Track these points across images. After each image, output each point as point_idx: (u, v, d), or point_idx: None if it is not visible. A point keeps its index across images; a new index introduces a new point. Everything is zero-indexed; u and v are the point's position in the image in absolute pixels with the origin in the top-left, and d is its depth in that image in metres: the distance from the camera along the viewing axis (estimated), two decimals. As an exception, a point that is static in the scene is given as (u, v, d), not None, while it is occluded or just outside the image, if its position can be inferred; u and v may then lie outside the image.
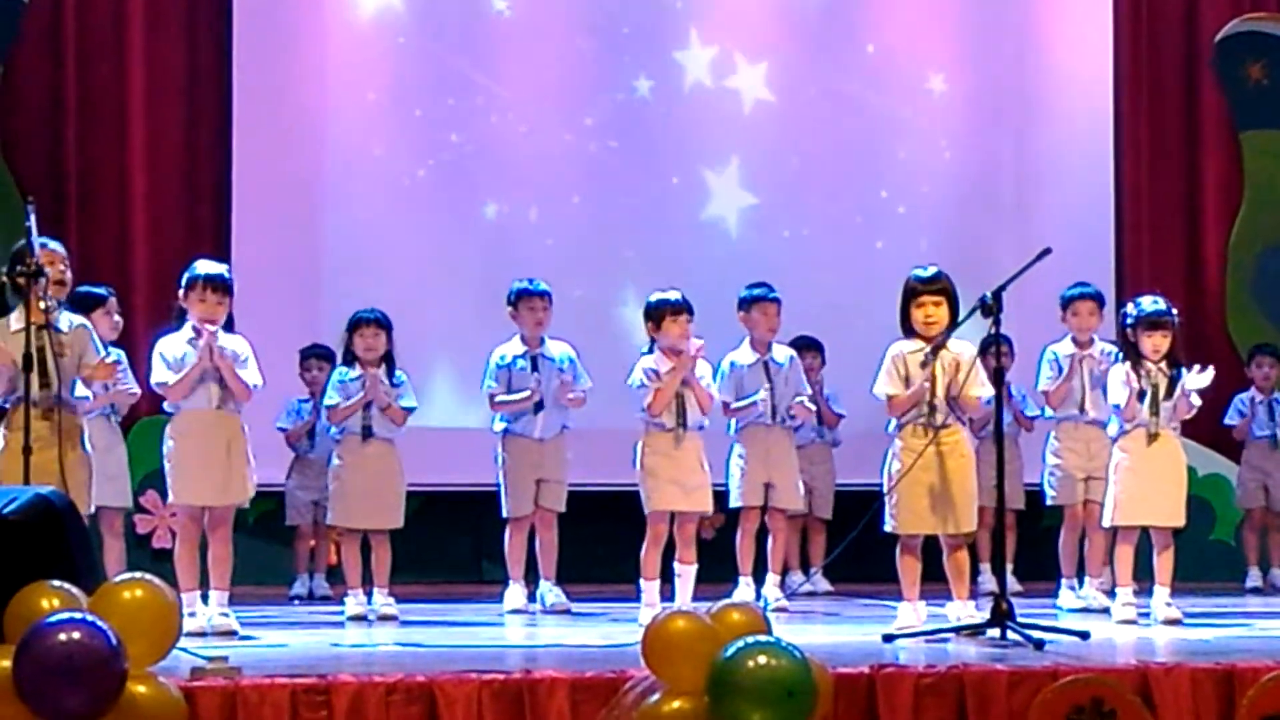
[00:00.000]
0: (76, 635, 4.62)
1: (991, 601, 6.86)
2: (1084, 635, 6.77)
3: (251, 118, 10.46)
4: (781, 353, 9.24)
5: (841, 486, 10.20)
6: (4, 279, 6.99)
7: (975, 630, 6.84)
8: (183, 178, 10.60)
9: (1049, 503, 9.25)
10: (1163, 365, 8.12)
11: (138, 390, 8.69)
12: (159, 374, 7.56)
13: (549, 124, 10.89)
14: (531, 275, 9.08)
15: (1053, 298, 9.10)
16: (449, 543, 10.51)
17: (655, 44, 11.10)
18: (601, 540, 9.75)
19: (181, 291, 7.59)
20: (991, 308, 6.77)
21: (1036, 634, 6.55)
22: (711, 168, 11.10)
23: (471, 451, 9.43)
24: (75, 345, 7.15)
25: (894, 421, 7.46)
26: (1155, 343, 8.15)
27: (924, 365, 7.27)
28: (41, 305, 6.82)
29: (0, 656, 4.72)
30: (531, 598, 8.95)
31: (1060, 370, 8.96)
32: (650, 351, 8.29)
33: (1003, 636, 6.64)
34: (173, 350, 7.55)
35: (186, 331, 7.55)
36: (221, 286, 7.56)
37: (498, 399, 8.88)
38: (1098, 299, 9.08)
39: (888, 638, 6.78)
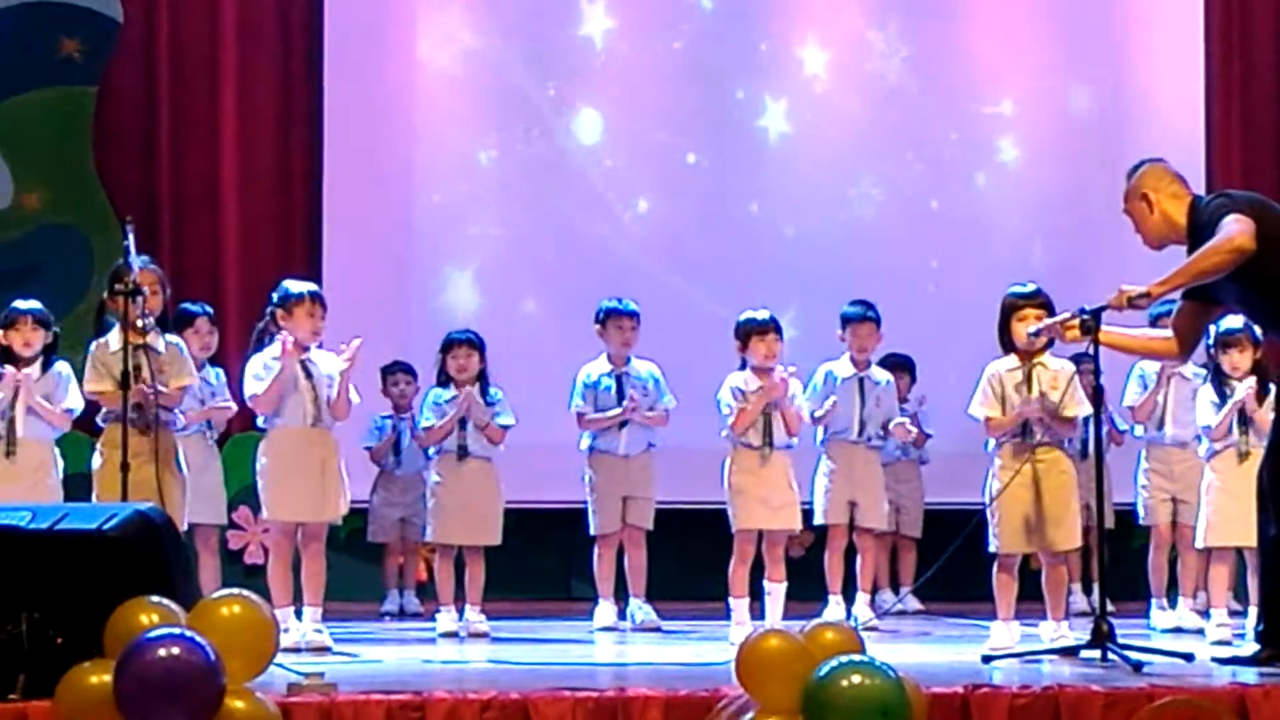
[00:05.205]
0: (176, 651, 4.67)
1: (1084, 621, 6.79)
2: (1188, 657, 6.68)
3: (343, 137, 10.48)
4: (880, 374, 9.25)
5: (932, 505, 10.13)
6: (103, 299, 7.11)
7: (1072, 651, 6.79)
8: (275, 198, 10.65)
9: (1140, 522, 9.18)
10: (1252, 383, 8.07)
11: (233, 406, 8.74)
12: (250, 387, 7.64)
13: (640, 138, 10.90)
14: (621, 292, 9.11)
15: (1144, 314, 8.99)
16: (538, 560, 10.49)
17: (754, 57, 11.08)
18: (690, 558, 9.74)
19: (278, 310, 7.64)
20: (1090, 324, 6.71)
21: (1136, 655, 6.49)
22: (810, 179, 11.02)
23: (560, 469, 9.44)
24: (169, 364, 7.25)
25: (992, 441, 7.44)
26: (1233, 360, 8.14)
27: (1034, 335, 7.21)
28: (139, 324, 6.91)
29: (100, 672, 4.78)
30: (621, 615, 8.95)
31: (1145, 386, 8.88)
32: (741, 369, 8.30)
33: (1104, 658, 6.59)
34: (262, 365, 7.61)
35: (275, 349, 7.61)
36: (324, 303, 7.69)
37: (585, 417, 8.91)
38: None
39: (986, 658, 6.73)
